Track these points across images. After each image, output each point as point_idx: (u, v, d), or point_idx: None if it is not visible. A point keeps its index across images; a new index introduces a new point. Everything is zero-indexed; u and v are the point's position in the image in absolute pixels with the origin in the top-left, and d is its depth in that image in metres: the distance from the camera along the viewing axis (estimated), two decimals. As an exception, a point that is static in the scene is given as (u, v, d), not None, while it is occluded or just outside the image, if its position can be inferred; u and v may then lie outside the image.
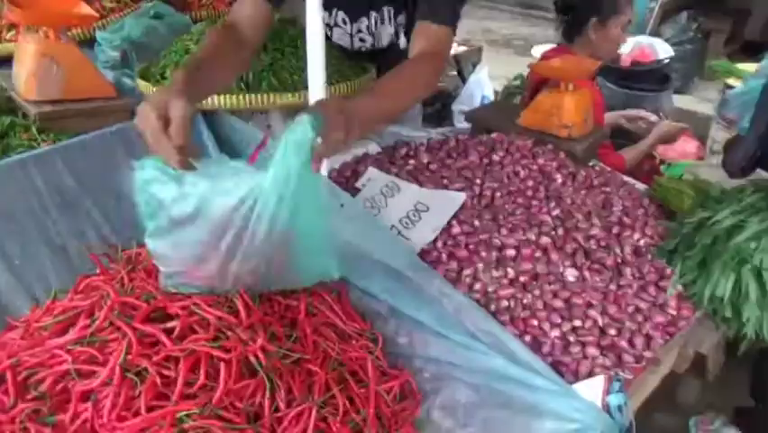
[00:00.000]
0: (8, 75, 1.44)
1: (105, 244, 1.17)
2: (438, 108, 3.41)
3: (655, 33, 3.96)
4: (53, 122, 1.28)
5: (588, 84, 1.80)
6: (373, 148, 1.71)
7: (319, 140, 0.84)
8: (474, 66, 3.61)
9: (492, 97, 3.57)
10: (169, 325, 0.85)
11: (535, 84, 2.13)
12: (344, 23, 1.58)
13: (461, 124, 3.43)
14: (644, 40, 3.28)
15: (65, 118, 1.30)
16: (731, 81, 2.89)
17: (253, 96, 1.31)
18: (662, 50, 3.15)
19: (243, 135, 1.38)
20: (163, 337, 0.84)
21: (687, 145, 3.11)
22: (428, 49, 1.30)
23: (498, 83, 4.27)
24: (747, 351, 1.30)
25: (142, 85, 1.40)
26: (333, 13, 1.57)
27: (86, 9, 1.38)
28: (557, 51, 2.20)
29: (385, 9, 1.56)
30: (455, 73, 3.58)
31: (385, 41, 1.66)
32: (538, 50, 3.72)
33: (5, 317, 1.00)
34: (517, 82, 3.62)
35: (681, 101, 3.65)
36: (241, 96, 1.31)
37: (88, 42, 1.61)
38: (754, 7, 4.72)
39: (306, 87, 1.34)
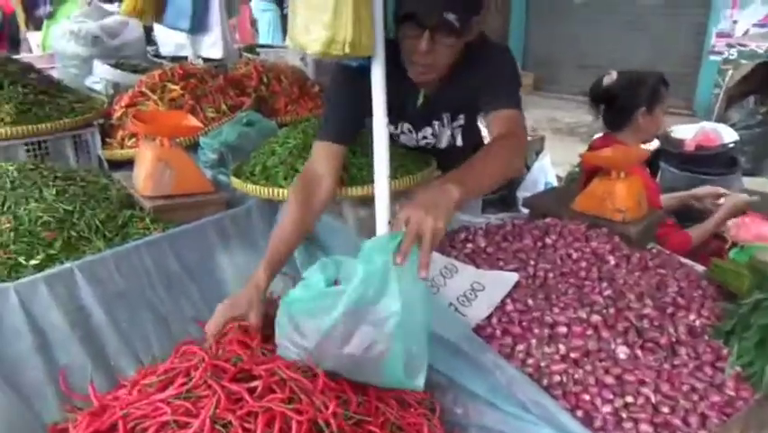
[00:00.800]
0: (128, 176, 1.74)
1: (199, 319, 1.36)
2: (504, 195, 3.53)
3: (721, 119, 3.99)
4: (163, 214, 1.53)
5: (638, 170, 1.89)
6: (435, 233, 1.85)
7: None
8: (537, 154, 3.76)
9: (555, 183, 3.67)
10: (253, 384, 1.00)
11: (588, 171, 2.23)
12: (410, 131, 1.79)
13: (526, 210, 3.55)
14: (708, 125, 3.32)
15: (173, 210, 1.55)
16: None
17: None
18: (727, 135, 3.17)
19: (327, 227, 1.59)
20: (246, 395, 0.98)
21: (763, 228, 3.03)
22: (505, 130, 1.46)
23: (563, 169, 4.37)
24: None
25: (236, 182, 1.64)
26: (399, 125, 1.77)
27: (194, 121, 1.68)
28: (605, 140, 2.30)
29: (444, 116, 1.75)
30: (518, 161, 3.73)
31: (444, 142, 1.84)
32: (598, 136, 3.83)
33: (115, 374, 1.18)
34: (578, 168, 3.71)
35: (753, 183, 3.59)
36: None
37: (193, 146, 1.91)
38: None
39: (372, 181, 1.54)
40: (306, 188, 1.44)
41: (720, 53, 5.48)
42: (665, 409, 1.18)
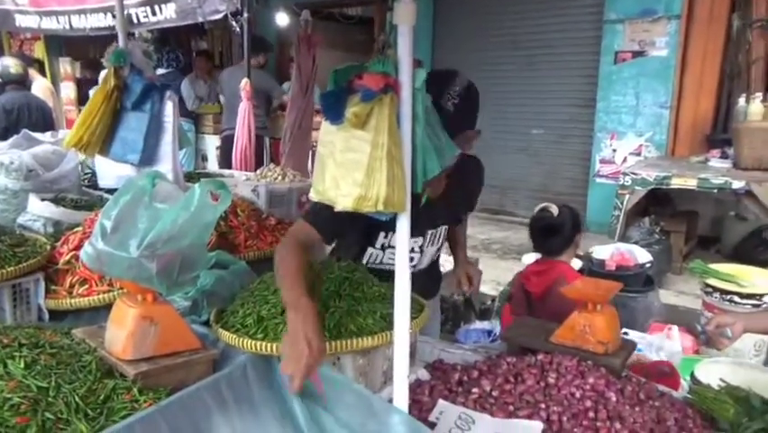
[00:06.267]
0: (92, 332, 1.52)
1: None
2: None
3: (623, 238, 4.43)
4: (148, 379, 1.34)
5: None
6: (423, 373, 1.79)
7: None
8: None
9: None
10: None
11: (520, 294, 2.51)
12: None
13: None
14: (622, 246, 3.66)
15: (158, 375, 1.36)
16: (710, 281, 3.18)
17: (337, 342, 1.43)
18: (641, 255, 3.51)
19: (324, 379, 1.47)
20: None
21: (683, 340, 3.29)
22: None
23: (489, 287, 4.55)
24: None
25: (226, 335, 1.49)
26: (390, 235, 1.82)
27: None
28: (547, 264, 2.63)
29: (442, 227, 1.83)
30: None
31: (425, 261, 1.88)
32: (528, 258, 4.07)
33: None
34: (509, 287, 3.88)
35: (662, 297, 3.93)
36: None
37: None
38: (699, 208, 5.39)
39: (383, 330, 1.48)
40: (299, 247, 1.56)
41: (604, 176, 6.22)
42: None
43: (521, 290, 2.77)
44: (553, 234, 2.61)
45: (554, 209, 2.61)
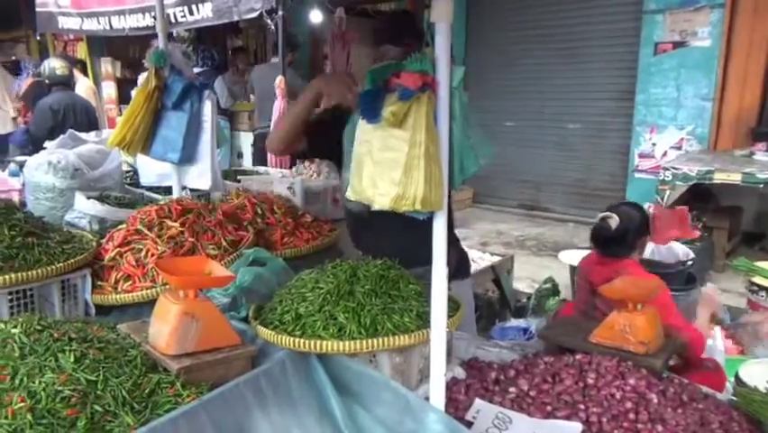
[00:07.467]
0: (136, 327, 1.57)
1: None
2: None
3: (664, 233, 4.30)
4: (190, 374, 1.37)
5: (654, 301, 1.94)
6: (459, 372, 1.79)
7: None
8: (509, 273, 3.86)
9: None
10: None
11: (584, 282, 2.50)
12: None
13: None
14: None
15: (199, 370, 1.39)
16: (756, 279, 3.07)
17: (373, 340, 1.44)
18: (682, 252, 3.42)
19: (362, 377, 1.49)
20: None
21: (726, 340, 3.19)
22: None
23: (524, 284, 4.49)
24: None
25: (265, 333, 1.52)
26: None
27: (220, 269, 1.57)
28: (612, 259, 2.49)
29: None
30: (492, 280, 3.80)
31: None
32: (565, 255, 4.02)
33: None
34: (548, 285, 3.83)
35: (704, 295, 3.80)
36: (361, 342, 1.43)
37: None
38: (744, 203, 5.21)
39: (419, 328, 1.48)
40: None
41: (643, 171, 6.07)
42: None
43: (586, 279, 2.68)
44: (613, 243, 2.52)
45: (614, 222, 2.47)
